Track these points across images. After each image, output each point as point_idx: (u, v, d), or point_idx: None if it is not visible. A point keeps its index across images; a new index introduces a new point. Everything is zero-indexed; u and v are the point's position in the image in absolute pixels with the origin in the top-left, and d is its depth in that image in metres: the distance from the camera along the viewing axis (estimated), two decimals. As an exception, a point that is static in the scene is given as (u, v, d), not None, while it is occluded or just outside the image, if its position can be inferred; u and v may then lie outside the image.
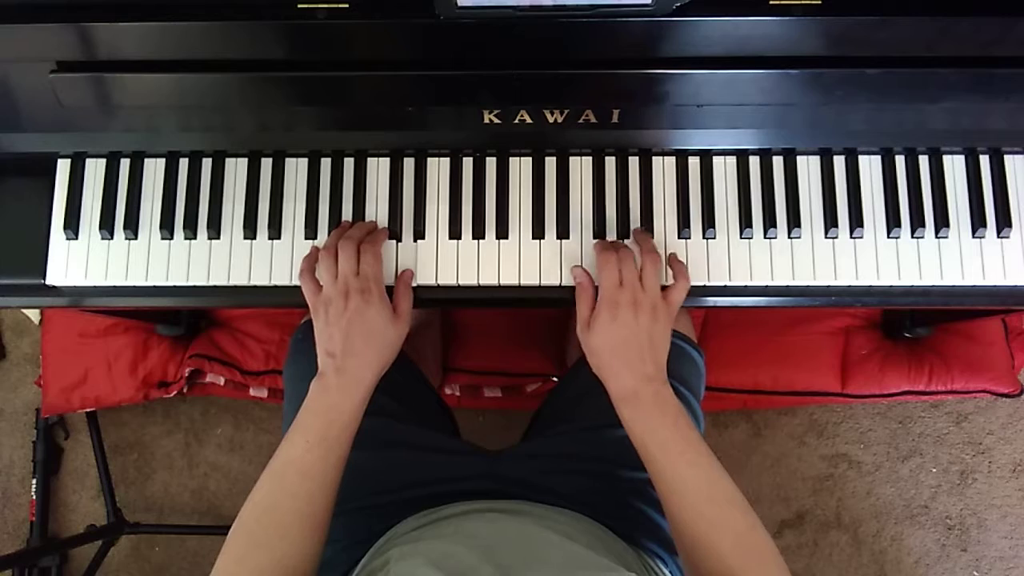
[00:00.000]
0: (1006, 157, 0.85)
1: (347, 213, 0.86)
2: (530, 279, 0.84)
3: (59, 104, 0.80)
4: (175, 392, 1.47)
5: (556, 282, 0.84)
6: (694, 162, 0.86)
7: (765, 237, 0.85)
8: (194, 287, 0.86)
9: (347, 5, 0.73)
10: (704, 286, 0.84)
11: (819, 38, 0.74)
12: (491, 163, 0.86)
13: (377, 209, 0.86)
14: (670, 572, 0.84)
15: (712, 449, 0.74)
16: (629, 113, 0.81)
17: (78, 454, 1.58)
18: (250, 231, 0.86)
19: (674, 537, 0.74)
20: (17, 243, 0.87)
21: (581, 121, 0.81)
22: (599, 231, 0.85)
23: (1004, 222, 0.84)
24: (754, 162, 0.86)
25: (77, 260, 0.86)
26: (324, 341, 0.78)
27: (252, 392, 1.48)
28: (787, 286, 0.85)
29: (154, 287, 0.86)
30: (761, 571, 0.67)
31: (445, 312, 1.46)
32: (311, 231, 0.86)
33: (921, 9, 0.72)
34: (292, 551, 0.70)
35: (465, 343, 1.47)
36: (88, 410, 1.51)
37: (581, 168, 0.86)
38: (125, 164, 0.87)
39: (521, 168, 0.86)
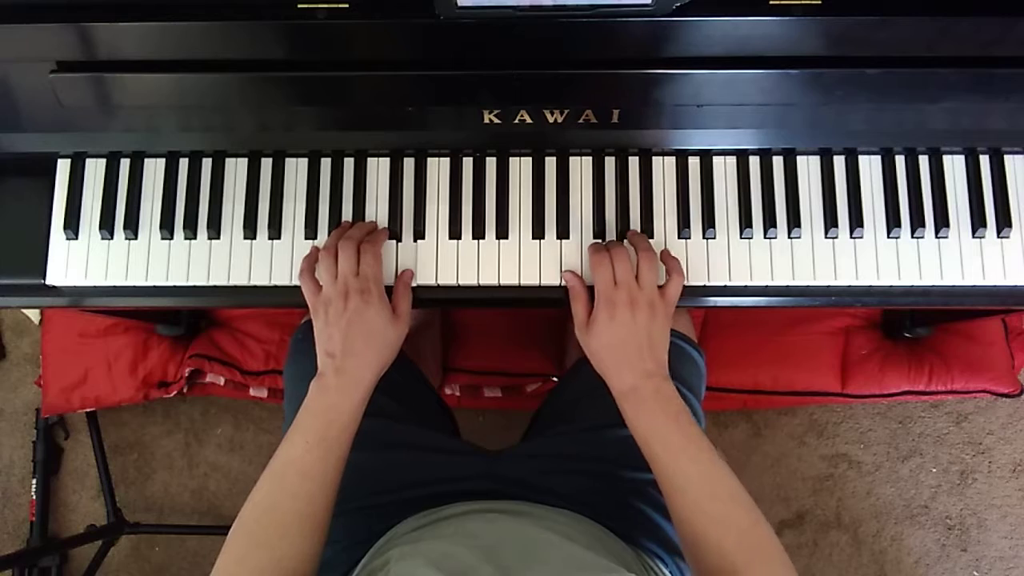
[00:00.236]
0: (1006, 157, 0.85)
1: (347, 213, 0.86)
2: (530, 279, 0.84)
3: (59, 104, 0.80)
4: (175, 392, 1.47)
5: (556, 282, 0.84)
6: (694, 162, 0.86)
7: (765, 237, 0.85)
8: (194, 287, 0.86)
9: (347, 5, 0.73)
10: (704, 286, 0.84)
11: (819, 38, 0.74)
12: (491, 163, 0.86)
13: (377, 209, 0.86)
14: (670, 572, 0.84)
15: (712, 449, 0.74)
16: (629, 113, 0.81)
17: (78, 454, 1.58)
18: (250, 231, 0.86)
19: (678, 534, 0.74)
20: (17, 243, 0.87)
21: (581, 121, 0.81)
22: (599, 231, 0.85)
23: (1004, 222, 0.84)
24: (754, 162, 0.86)
25: (77, 260, 0.86)
26: (324, 341, 0.78)
27: (252, 392, 1.48)
28: (787, 286, 0.85)
29: (154, 287, 0.86)
30: (765, 567, 0.67)
31: (445, 312, 1.46)
32: (311, 231, 0.86)
33: (921, 9, 0.72)
34: (292, 551, 0.70)
35: (465, 343, 1.47)
36: (88, 410, 1.51)
37: (581, 168, 0.86)
38: (125, 164, 0.87)
39: (521, 168, 0.86)
